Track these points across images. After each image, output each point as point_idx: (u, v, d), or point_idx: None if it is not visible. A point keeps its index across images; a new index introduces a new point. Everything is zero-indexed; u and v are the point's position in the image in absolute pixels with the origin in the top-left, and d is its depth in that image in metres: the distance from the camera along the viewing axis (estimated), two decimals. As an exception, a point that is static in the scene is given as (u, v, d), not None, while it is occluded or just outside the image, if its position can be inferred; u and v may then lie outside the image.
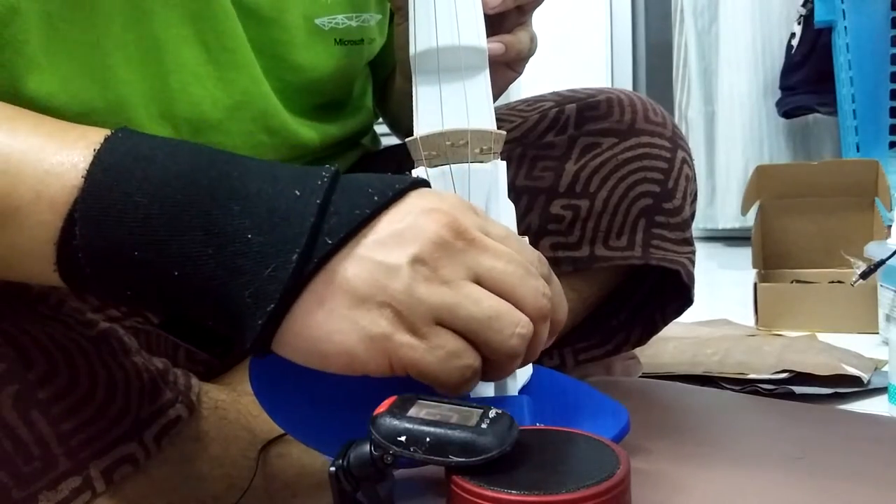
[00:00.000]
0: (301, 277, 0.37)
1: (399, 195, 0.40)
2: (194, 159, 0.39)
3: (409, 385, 0.40)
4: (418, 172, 0.53)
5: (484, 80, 0.55)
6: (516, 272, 0.39)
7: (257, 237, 0.37)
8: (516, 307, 0.39)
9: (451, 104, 0.54)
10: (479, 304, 0.38)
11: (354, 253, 0.38)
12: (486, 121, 0.54)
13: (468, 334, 0.38)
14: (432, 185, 0.52)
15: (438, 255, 0.38)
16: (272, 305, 0.37)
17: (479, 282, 0.39)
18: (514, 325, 0.38)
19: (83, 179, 0.37)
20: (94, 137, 0.39)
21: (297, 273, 0.37)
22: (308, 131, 0.64)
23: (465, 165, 0.53)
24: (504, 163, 0.54)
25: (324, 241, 0.37)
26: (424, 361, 0.37)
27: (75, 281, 0.39)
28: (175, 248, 0.37)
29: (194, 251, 0.37)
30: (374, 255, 0.38)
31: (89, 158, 0.38)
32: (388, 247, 0.38)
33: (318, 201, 0.38)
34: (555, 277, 0.43)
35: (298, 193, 0.38)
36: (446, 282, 0.38)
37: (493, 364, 0.39)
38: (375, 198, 0.39)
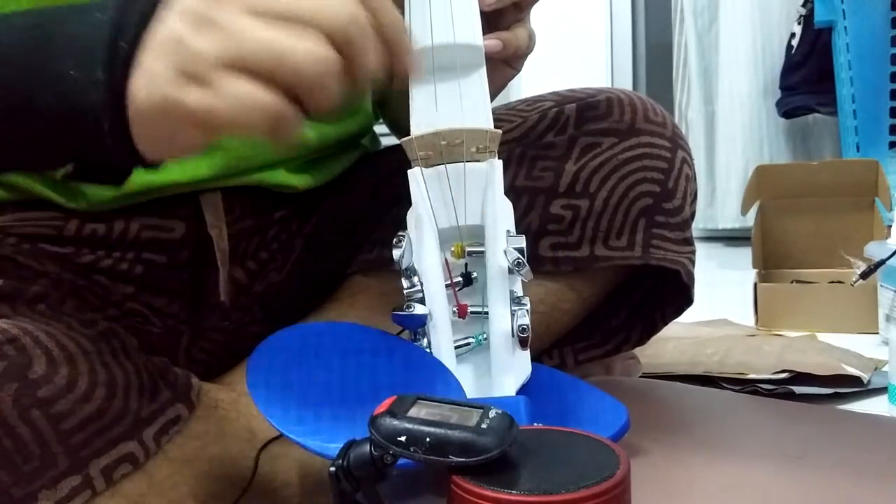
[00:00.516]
0: (115, 69, 0.38)
1: None
2: (26, 20, 0.42)
3: (408, 386, 0.40)
4: (414, 173, 0.53)
5: (480, 78, 0.55)
6: None
7: (74, 61, 0.39)
8: (312, 29, 0.38)
9: (446, 103, 0.54)
10: (256, 36, 0.37)
11: (148, 41, 0.38)
12: (481, 119, 0.53)
13: (264, 73, 0.37)
14: (428, 184, 0.53)
15: (205, 3, 0.38)
16: (105, 95, 0.38)
17: (258, 15, 0.38)
18: (302, 51, 0.37)
19: None
20: None
21: (112, 65, 0.38)
22: (307, 131, 0.64)
23: (461, 165, 0.52)
24: (500, 161, 0.53)
25: (122, 45, 0.38)
26: (217, 110, 0.37)
27: None
28: (18, 96, 0.40)
29: (36, 97, 0.39)
30: (158, 31, 0.38)
31: None
32: (162, 19, 0.38)
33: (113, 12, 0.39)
34: None
35: (100, 16, 0.40)
36: (221, 27, 0.37)
37: (311, 94, 0.38)
38: None
